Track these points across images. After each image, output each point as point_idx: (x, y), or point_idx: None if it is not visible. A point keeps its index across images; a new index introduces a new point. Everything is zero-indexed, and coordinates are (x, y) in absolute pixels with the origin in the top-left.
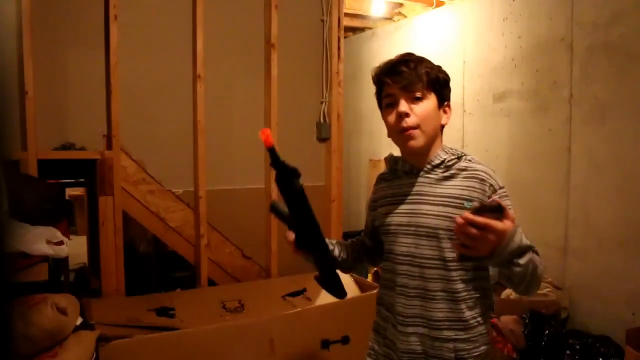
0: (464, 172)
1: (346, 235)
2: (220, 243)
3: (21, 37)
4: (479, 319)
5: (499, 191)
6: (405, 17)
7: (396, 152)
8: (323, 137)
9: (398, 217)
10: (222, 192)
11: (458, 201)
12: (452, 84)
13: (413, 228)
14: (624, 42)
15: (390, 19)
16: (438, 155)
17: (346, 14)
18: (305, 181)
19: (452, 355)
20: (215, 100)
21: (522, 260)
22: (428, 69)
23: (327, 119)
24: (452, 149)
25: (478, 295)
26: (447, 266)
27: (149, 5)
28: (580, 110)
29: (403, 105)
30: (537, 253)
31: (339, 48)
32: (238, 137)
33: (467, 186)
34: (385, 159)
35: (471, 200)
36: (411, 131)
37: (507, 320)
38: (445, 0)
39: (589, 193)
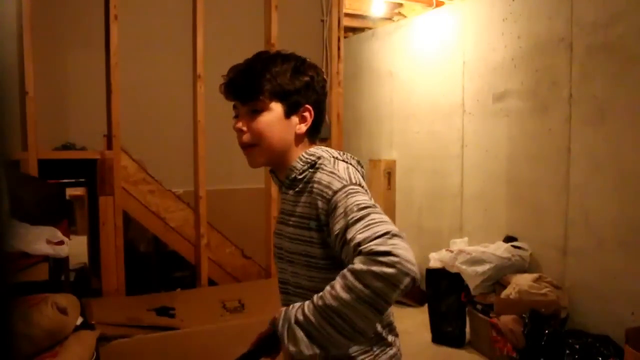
0: (310, 185)
1: None
2: (220, 243)
3: (21, 37)
4: (355, 348)
5: (334, 199)
6: (405, 17)
7: (395, 152)
8: (323, 137)
9: (274, 238)
10: (222, 192)
11: (305, 221)
12: (451, 84)
13: (279, 251)
14: (623, 42)
15: (390, 19)
16: (293, 167)
17: (346, 14)
18: None
19: None
20: (215, 100)
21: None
22: (270, 77)
23: (327, 119)
24: (309, 157)
25: None
26: (307, 294)
27: (149, 5)
28: (579, 110)
29: (239, 122)
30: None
31: (338, 48)
32: None
33: (310, 203)
34: None
35: (316, 220)
36: (248, 149)
37: (506, 320)
38: (445, 0)
39: (589, 193)
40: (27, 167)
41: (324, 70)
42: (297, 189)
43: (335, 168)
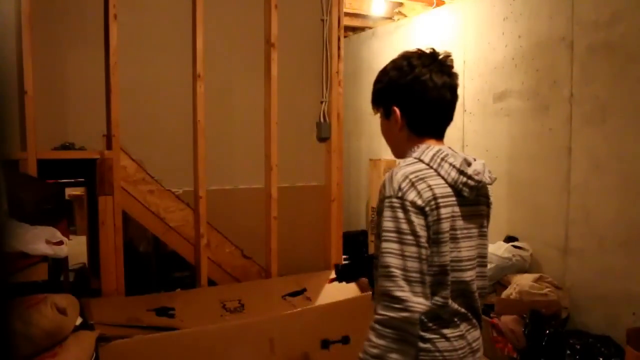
0: None
1: (346, 235)
2: (220, 243)
3: (21, 37)
4: None
5: (384, 202)
6: (406, 16)
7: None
8: (323, 136)
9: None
10: (222, 192)
11: None
12: None
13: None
14: (624, 41)
15: (390, 18)
16: None
17: (346, 14)
18: (305, 181)
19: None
20: (215, 100)
21: None
22: (373, 85)
23: (327, 119)
24: (413, 152)
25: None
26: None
27: (149, 5)
28: (580, 109)
29: None
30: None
31: (339, 47)
32: (238, 137)
33: None
34: None
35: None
36: None
37: (507, 320)
38: None
39: (590, 193)
40: (26, 167)
41: (323, 69)
42: None
43: (398, 169)
